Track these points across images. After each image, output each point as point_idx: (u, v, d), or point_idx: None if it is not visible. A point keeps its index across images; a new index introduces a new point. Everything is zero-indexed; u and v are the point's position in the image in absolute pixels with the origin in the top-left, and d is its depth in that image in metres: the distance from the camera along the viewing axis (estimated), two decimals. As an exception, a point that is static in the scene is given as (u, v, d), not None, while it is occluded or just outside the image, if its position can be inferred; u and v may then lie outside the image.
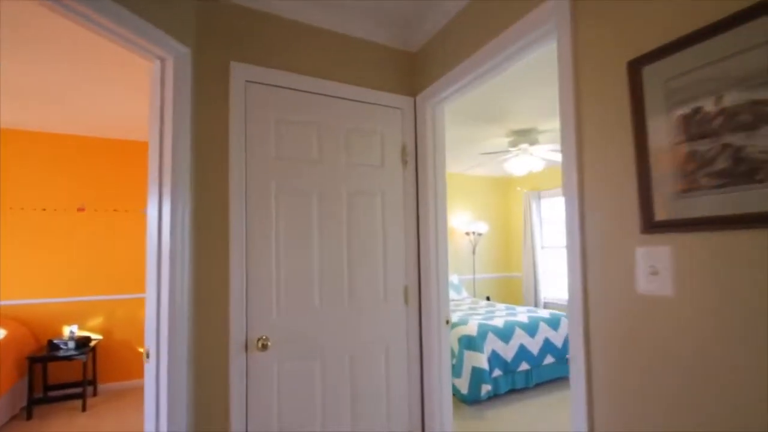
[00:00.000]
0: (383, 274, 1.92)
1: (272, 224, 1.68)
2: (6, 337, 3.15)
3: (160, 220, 1.46)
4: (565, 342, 3.73)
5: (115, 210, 4.02)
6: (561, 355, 3.69)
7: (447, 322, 1.97)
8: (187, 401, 1.46)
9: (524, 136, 3.74)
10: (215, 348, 1.55)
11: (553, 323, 3.77)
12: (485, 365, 3.17)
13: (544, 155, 3.75)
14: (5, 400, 3.08)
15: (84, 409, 3.40)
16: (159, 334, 1.44)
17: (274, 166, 1.70)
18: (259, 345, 1.59)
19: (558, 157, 3.75)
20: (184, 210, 1.48)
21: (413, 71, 2.09)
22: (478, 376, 3.14)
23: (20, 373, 3.27)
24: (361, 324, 1.84)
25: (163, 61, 1.52)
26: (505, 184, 6.40)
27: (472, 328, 3.37)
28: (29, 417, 3.22)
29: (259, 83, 1.69)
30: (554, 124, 3.61)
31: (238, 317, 1.58)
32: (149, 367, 1.45)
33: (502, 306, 4.57)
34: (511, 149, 3.78)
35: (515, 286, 6.24)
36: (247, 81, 1.66)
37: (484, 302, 4.92)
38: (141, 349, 4.03)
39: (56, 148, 3.83)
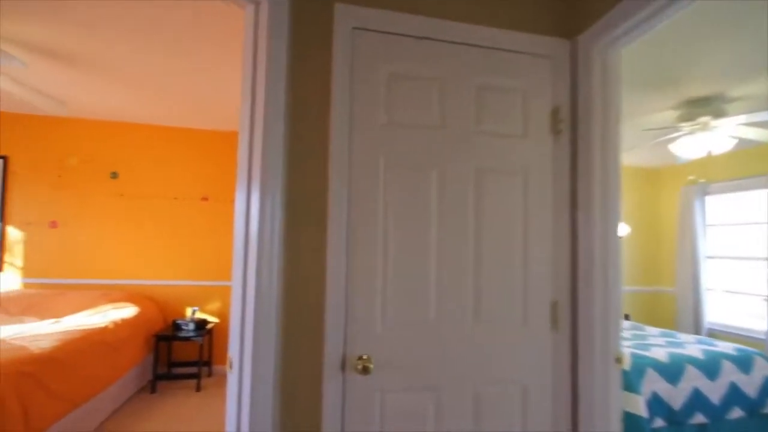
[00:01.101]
0: (522, 283, 1.40)
1: (379, 211, 1.29)
2: (138, 315, 3.42)
3: (248, 211, 1.19)
4: (764, 390, 2.68)
5: (233, 201, 4.17)
6: (755, 407, 2.66)
7: (617, 360, 1.36)
8: (272, 428, 1.16)
9: (704, 106, 2.77)
10: (307, 364, 1.22)
11: (743, 363, 2.74)
12: (643, 411, 2.39)
13: (734, 132, 2.74)
14: (135, 372, 3.34)
15: (198, 389, 3.55)
16: (243, 342, 1.16)
17: (383, 136, 1.31)
18: (359, 366, 1.22)
19: (760, 135, 2.71)
20: (275, 198, 1.18)
21: (570, 3, 1.51)
22: (633, 424, 2.38)
23: (149, 349, 3.54)
24: (489, 350, 1.35)
25: (257, 5, 1.24)
26: (653, 176, 5.18)
27: (623, 359, 2.58)
28: (153, 391, 3.46)
29: (369, 30, 1.31)
30: (755, 88, 2.59)
31: (335, 328, 1.23)
32: (231, 380, 1.18)
33: (654, 331, 3.59)
34: (682, 125, 2.85)
35: (664, 304, 5.01)
36: (354, 28, 1.30)
37: (627, 323, 3.95)
38: (250, 336, 4.13)
39: (184, 141, 4.10)
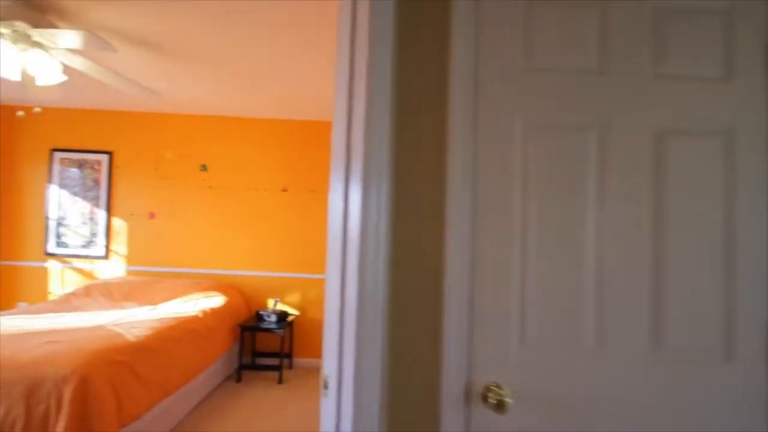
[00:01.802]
0: (724, 297, 0.96)
1: (515, 191, 0.95)
2: (225, 304, 3.46)
3: (346, 203, 0.93)
4: None
5: (311, 191, 4.08)
6: None
7: None
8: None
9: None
10: (419, 390, 0.94)
11: None
12: None
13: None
14: (222, 361, 3.38)
15: (280, 381, 3.51)
16: (342, 359, 0.90)
17: (521, 86, 0.96)
18: (491, 399, 0.90)
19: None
20: (380, 188, 0.91)
21: None
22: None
23: (234, 338, 3.57)
24: (675, 390, 0.94)
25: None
26: None
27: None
28: (238, 380, 3.49)
29: (497, -57, 0.97)
30: None
31: (456, 346, 0.92)
32: (327, 405, 0.93)
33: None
34: None
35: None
36: (476, -57, 0.96)
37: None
38: (329, 330, 4.03)
39: (264, 132, 4.09)
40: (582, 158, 0.96)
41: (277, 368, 3.58)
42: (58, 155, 3.94)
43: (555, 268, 0.94)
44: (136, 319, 2.68)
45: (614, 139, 0.96)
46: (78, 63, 2.08)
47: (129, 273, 3.95)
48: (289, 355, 3.92)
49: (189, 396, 2.76)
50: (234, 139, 4.07)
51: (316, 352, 3.99)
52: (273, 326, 3.50)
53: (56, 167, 3.94)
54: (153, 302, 3.35)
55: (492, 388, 0.91)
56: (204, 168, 4.06)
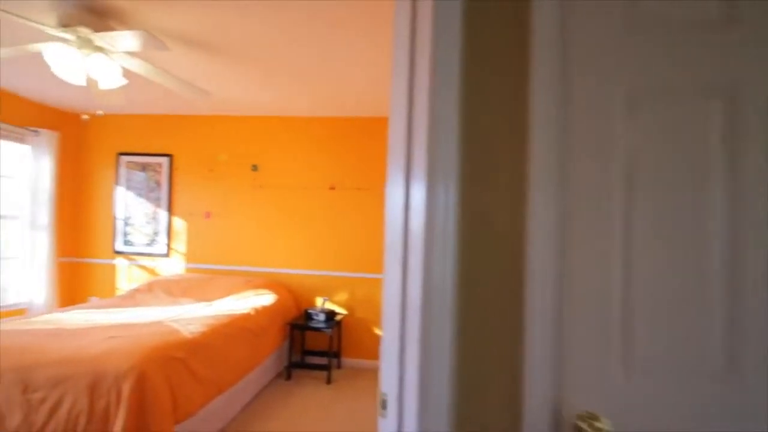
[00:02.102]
0: None
1: (616, 175, 0.78)
2: (276, 302, 3.48)
3: (407, 202, 0.80)
4: None
5: (358, 189, 4.01)
6: None
7: None
8: None
9: None
10: (493, 415, 0.79)
11: None
12: None
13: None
14: (273, 358, 3.40)
15: (328, 381, 3.47)
16: (404, 377, 0.78)
17: (621, 48, 0.78)
18: (585, 432, 0.73)
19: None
20: (448, 186, 0.78)
21: None
22: None
23: (284, 336, 3.59)
24: (837, 430, 0.72)
25: None
26: None
27: None
28: (288, 377, 3.49)
29: None
30: None
31: (539, 365, 0.77)
32: (386, 428, 0.81)
33: None
34: None
35: None
36: None
37: None
38: (377, 331, 3.95)
39: (310, 130, 4.08)
40: (704, 130, 0.76)
41: (325, 368, 3.54)
42: (124, 159, 4.19)
43: (669, 273, 0.76)
44: (192, 316, 2.74)
45: (746, 105, 0.75)
46: (135, 65, 2.13)
47: (187, 270, 4.11)
48: (337, 355, 3.88)
49: (241, 393, 2.79)
50: (282, 139, 4.10)
51: (365, 353, 3.92)
52: (321, 325, 3.47)
53: (122, 170, 4.19)
54: (208, 299, 3.45)
55: (587, 418, 0.74)
56: (255, 168, 4.13)
